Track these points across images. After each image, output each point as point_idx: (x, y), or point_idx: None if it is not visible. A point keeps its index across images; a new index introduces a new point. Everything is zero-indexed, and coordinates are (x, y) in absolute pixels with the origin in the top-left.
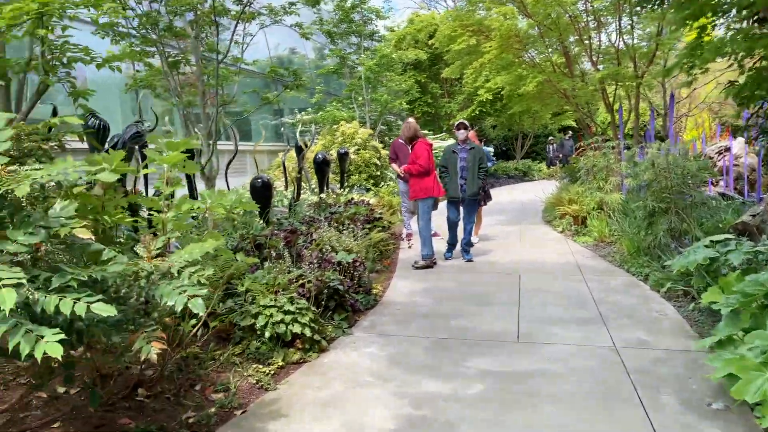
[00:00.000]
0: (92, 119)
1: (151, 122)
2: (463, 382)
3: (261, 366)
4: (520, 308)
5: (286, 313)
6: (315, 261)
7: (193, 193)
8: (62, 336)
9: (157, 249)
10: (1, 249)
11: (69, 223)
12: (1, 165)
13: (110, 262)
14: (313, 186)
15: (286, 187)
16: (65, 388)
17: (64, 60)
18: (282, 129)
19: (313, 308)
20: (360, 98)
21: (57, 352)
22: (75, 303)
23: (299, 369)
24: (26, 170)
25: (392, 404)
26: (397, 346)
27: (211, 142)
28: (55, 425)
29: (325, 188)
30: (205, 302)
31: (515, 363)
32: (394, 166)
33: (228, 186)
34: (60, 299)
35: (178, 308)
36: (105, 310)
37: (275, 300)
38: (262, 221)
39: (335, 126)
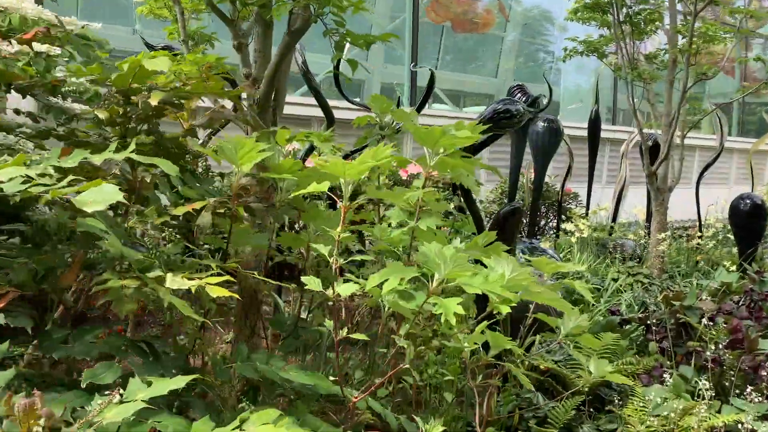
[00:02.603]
0: (519, 93)
1: (545, 98)
2: None
3: None
4: None
5: None
6: None
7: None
8: None
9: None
10: None
11: None
12: None
13: None
14: None
15: None
16: None
17: None
18: None
19: None
20: None
21: None
22: None
23: None
24: None
25: None
26: None
27: (672, 134)
28: None
29: None
30: None
31: None
32: None
33: (698, 201)
34: None
35: None
36: None
37: None
38: (740, 264)
39: None
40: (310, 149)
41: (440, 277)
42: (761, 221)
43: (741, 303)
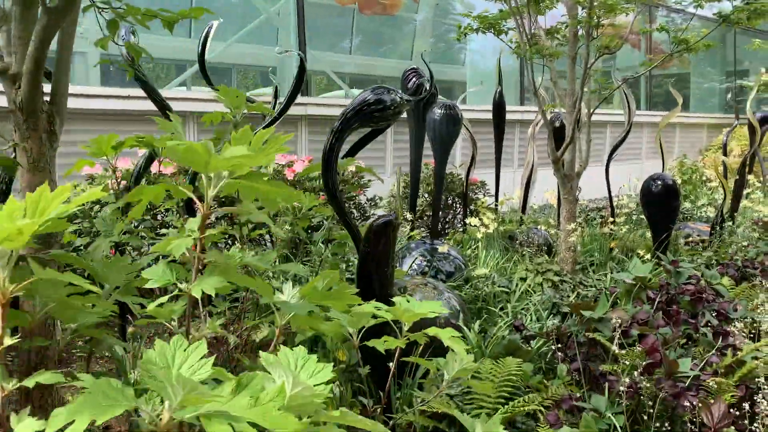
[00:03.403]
0: (413, 78)
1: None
2: None
3: None
4: None
5: None
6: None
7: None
8: None
9: None
10: None
11: None
12: None
13: None
14: None
15: (724, 191)
16: None
17: None
18: (729, 95)
19: None
20: None
21: None
22: None
23: None
24: None
25: None
26: None
27: (577, 115)
28: None
29: None
30: None
31: None
32: None
33: (609, 184)
34: None
35: None
36: None
37: None
38: (654, 251)
39: None
40: (150, 159)
41: (171, 408)
42: (674, 202)
43: (657, 299)
